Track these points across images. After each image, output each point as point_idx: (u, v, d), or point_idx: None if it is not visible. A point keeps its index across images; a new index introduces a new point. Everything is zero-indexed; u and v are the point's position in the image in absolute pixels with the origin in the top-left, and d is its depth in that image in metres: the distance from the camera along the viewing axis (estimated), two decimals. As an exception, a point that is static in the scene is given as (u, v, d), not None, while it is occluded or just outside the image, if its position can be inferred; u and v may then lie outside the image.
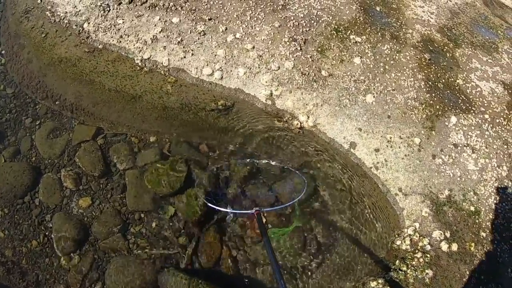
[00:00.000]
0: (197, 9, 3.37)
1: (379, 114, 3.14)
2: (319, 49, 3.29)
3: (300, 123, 3.06)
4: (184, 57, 3.19)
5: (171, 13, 3.37)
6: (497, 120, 3.38)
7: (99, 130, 3.35)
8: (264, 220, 3.03)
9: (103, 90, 3.30)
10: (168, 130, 3.23)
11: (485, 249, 2.99)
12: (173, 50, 3.22)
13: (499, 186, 3.19)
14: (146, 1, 3.40)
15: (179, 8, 3.38)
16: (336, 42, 3.36)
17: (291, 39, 3.26)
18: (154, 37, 3.25)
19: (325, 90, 3.14)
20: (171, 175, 3.06)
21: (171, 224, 3.04)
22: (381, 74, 3.29)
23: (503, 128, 3.36)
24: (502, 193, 3.18)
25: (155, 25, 3.30)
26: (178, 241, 2.98)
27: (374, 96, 3.18)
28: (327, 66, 3.23)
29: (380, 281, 2.74)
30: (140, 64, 3.24)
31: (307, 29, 3.37)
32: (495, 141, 3.28)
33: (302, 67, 3.18)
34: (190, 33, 3.27)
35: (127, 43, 3.31)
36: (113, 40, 3.35)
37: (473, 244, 2.96)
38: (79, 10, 3.55)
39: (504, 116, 3.42)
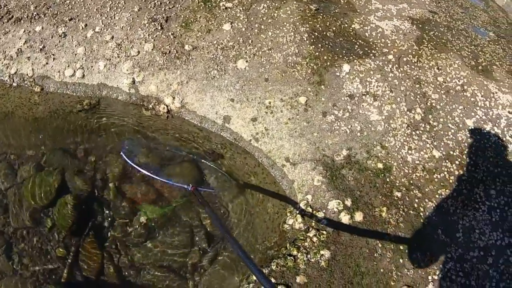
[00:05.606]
0: (59, 13, 3.22)
1: (254, 79, 2.75)
2: (183, 24, 2.99)
3: (167, 107, 2.75)
4: (47, 63, 3.02)
5: (34, 22, 3.24)
6: (405, 59, 2.85)
7: (-25, 154, 3.24)
8: None
9: (-26, 114, 3.20)
10: (42, 141, 3.05)
11: (402, 211, 2.44)
12: (36, 58, 3.07)
13: (413, 132, 2.64)
14: (12, 17, 3.31)
15: (42, 16, 3.24)
16: (203, 13, 3.03)
17: (150, 20, 2.99)
18: (19, 50, 3.13)
19: (189, 65, 2.81)
20: (44, 186, 2.87)
21: (51, 237, 2.82)
22: (255, 35, 2.91)
23: (413, 66, 2.83)
24: (418, 140, 2.62)
25: (20, 38, 3.18)
26: (56, 254, 2.75)
27: (246, 61, 2.80)
28: (191, 40, 2.91)
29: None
30: (9, 81, 3.11)
31: (171, 6, 3.08)
32: (402, 82, 2.75)
33: (162, 47, 2.88)
34: (52, 37, 3.11)
35: (-6, 62, 3.21)
36: (-21, 62, 3.26)
37: (385, 208, 2.42)
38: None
39: (413, 52, 2.89)
